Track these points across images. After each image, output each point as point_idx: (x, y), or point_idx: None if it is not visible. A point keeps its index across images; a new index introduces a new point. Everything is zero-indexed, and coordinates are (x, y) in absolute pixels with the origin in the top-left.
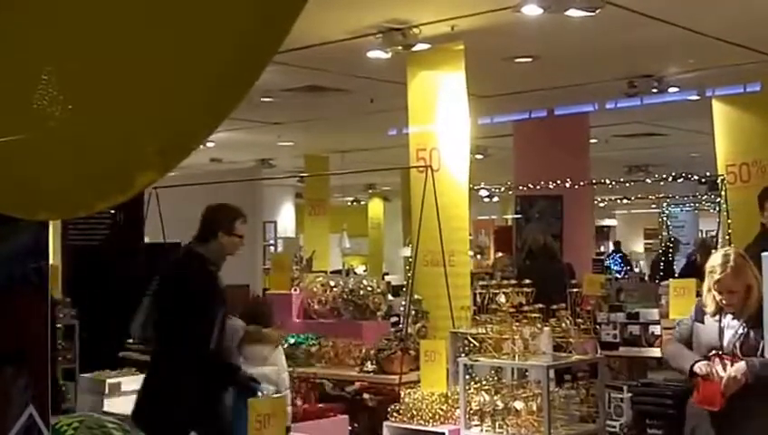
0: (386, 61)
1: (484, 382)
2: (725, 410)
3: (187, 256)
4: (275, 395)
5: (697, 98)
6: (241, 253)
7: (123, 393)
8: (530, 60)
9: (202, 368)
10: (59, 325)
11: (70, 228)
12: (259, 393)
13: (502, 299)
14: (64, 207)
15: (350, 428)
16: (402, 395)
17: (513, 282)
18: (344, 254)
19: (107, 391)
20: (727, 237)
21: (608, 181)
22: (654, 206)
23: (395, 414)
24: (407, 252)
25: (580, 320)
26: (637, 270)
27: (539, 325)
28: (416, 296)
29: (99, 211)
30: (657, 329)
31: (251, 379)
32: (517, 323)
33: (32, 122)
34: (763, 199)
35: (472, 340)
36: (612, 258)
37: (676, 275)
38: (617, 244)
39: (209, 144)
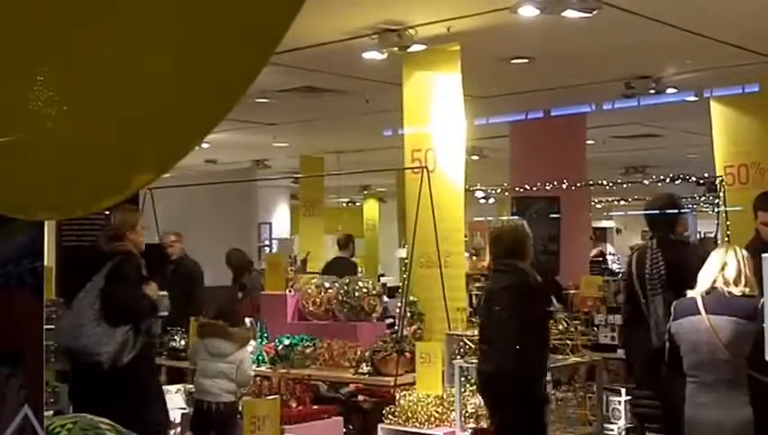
0: (381, 62)
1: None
2: None
3: None
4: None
5: (695, 99)
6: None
7: None
8: (526, 61)
9: None
10: (52, 326)
11: (64, 229)
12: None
13: None
14: (61, 208)
15: (344, 430)
16: (397, 397)
17: None
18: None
19: None
20: (726, 239)
21: (605, 183)
22: None
23: (390, 416)
24: (402, 253)
25: (576, 321)
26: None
27: None
28: (411, 298)
29: (93, 212)
30: None
31: None
32: None
33: (28, 123)
34: (756, 208)
35: (468, 342)
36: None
37: None
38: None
39: (204, 145)
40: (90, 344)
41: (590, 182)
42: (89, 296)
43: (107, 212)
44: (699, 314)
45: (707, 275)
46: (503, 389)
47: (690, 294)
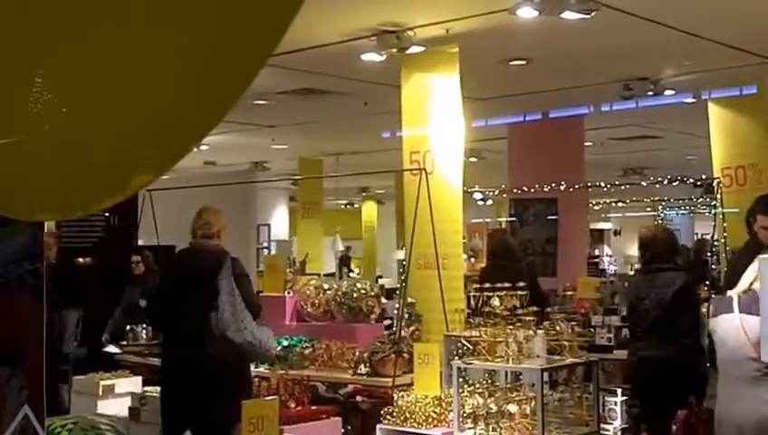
0: (380, 63)
1: (477, 385)
2: None
3: None
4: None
5: (693, 100)
6: (235, 255)
7: (117, 395)
8: (524, 62)
9: None
10: None
11: (64, 230)
12: None
13: (496, 302)
14: (61, 209)
15: (342, 430)
16: (395, 398)
17: (506, 285)
18: (338, 256)
19: (101, 392)
20: (723, 241)
21: (603, 184)
22: (649, 209)
23: (388, 417)
24: (400, 255)
25: (573, 323)
26: (632, 273)
27: (533, 328)
28: (409, 299)
29: (93, 213)
30: None
31: None
32: (511, 326)
33: (27, 125)
34: (755, 211)
35: (465, 343)
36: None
37: None
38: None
39: (203, 147)
40: (264, 341)
41: (588, 184)
42: (235, 295)
43: (106, 214)
44: (733, 311)
45: (748, 276)
46: (686, 373)
47: (729, 293)
